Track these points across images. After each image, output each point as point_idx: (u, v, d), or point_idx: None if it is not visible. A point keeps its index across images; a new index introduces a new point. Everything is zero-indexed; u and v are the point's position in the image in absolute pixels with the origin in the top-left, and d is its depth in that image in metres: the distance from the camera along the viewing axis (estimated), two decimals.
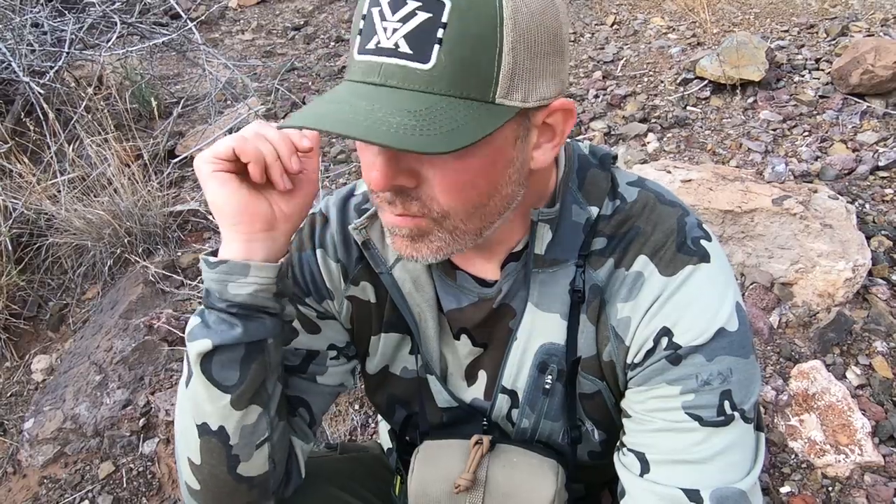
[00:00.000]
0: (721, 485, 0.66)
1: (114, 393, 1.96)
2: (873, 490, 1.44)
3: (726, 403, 0.67)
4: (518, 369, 0.78)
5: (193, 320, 0.72)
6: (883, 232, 1.98)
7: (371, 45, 0.57)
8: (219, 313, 0.69)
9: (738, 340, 0.68)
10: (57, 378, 2.09)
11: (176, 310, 2.14)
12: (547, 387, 0.77)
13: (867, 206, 2.12)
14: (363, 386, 1.78)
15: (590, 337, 0.74)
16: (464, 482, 0.77)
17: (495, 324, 0.79)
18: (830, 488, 1.46)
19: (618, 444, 0.77)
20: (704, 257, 0.70)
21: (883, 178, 2.23)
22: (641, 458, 0.70)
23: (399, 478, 0.99)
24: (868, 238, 1.91)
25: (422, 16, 0.54)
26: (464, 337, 0.81)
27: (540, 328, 0.75)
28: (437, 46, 0.55)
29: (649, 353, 0.70)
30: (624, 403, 0.75)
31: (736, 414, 0.68)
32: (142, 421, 1.89)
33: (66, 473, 1.84)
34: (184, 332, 2.00)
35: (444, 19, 0.54)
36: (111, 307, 2.25)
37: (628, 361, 0.73)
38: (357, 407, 1.77)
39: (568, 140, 0.77)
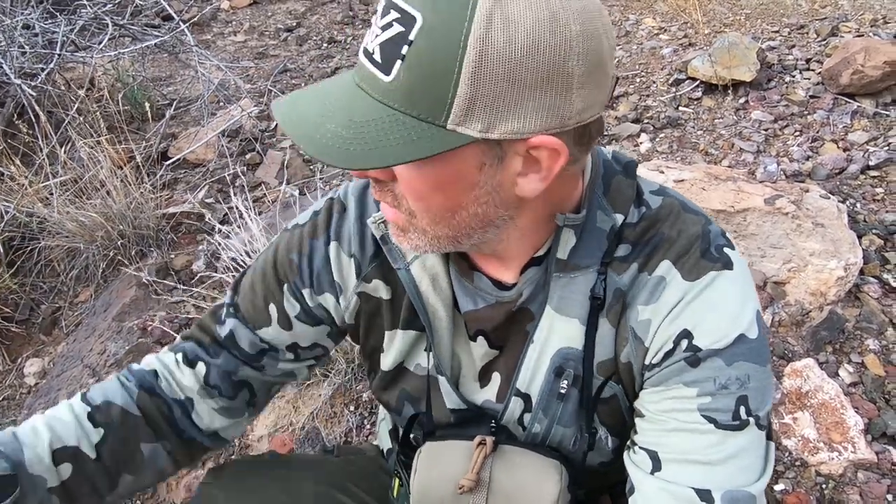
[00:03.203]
0: (733, 487, 0.66)
1: None
2: (866, 487, 1.45)
3: (742, 409, 0.68)
4: (533, 373, 0.78)
5: None
6: (874, 231, 2.00)
7: (365, 42, 0.59)
8: None
9: (756, 348, 0.69)
10: (49, 381, 2.08)
11: (169, 312, 2.13)
12: (562, 391, 0.76)
13: (858, 205, 2.14)
14: (367, 383, 1.80)
15: (609, 339, 0.74)
16: (467, 483, 0.77)
17: (512, 326, 0.78)
18: (824, 486, 1.47)
19: (628, 443, 0.77)
20: (728, 264, 0.71)
21: (873, 177, 2.25)
22: (654, 456, 0.70)
23: (398, 480, 0.99)
24: (859, 237, 1.92)
25: (396, 28, 0.56)
26: (480, 339, 0.81)
27: (558, 332, 0.75)
28: (399, 62, 0.56)
29: (668, 354, 0.70)
30: (637, 403, 0.75)
31: (751, 419, 0.68)
32: None
33: None
34: (178, 334, 2.00)
35: (412, 37, 0.55)
36: (104, 310, 2.24)
37: (646, 362, 0.73)
38: (352, 408, 1.77)
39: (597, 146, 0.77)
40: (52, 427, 0.79)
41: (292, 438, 1.75)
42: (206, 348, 0.89)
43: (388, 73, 0.56)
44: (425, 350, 0.84)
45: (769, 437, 0.71)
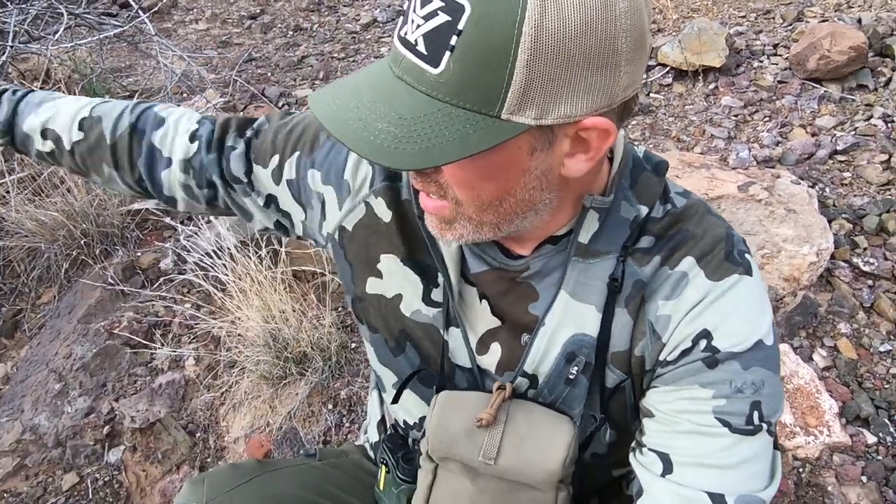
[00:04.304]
0: (745, 492, 0.66)
1: (75, 401, 1.89)
2: (842, 469, 1.47)
3: (755, 414, 0.67)
4: (542, 356, 0.76)
5: None
6: (843, 215, 2.03)
7: (402, 33, 0.57)
8: None
9: (772, 355, 0.69)
10: (13, 387, 2.01)
11: (138, 312, 2.07)
12: (571, 377, 0.76)
13: (827, 189, 2.17)
14: (344, 381, 1.77)
15: (626, 330, 0.73)
16: (486, 416, 0.76)
17: (514, 301, 0.77)
18: (801, 469, 1.49)
19: (633, 444, 0.76)
20: (748, 270, 0.71)
21: (841, 161, 2.29)
22: (665, 458, 0.70)
23: (384, 468, 0.97)
24: (829, 221, 1.95)
25: (441, 17, 0.53)
26: (485, 302, 0.80)
27: (572, 318, 0.74)
28: (448, 53, 0.53)
29: (685, 352, 0.69)
30: (646, 402, 0.74)
31: (763, 425, 0.68)
32: (106, 429, 1.83)
33: (27, 486, 1.77)
34: (146, 335, 1.97)
35: (461, 26, 0.52)
36: (68, 311, 2.17)
37: (661, 358, 0.72)
38: (331, 407, 1.75)
39: (626, 141, 0.76)
40: (56, 112, 0.92)
41: (269, 439, 1.72)
42: (211, 141, 0.92)
43: (435, 65, 0.54)
44: (423, 300, 0.82)
45: (776, 447, 0.71)
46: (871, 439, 1.53)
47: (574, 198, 0.70)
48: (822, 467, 1.49)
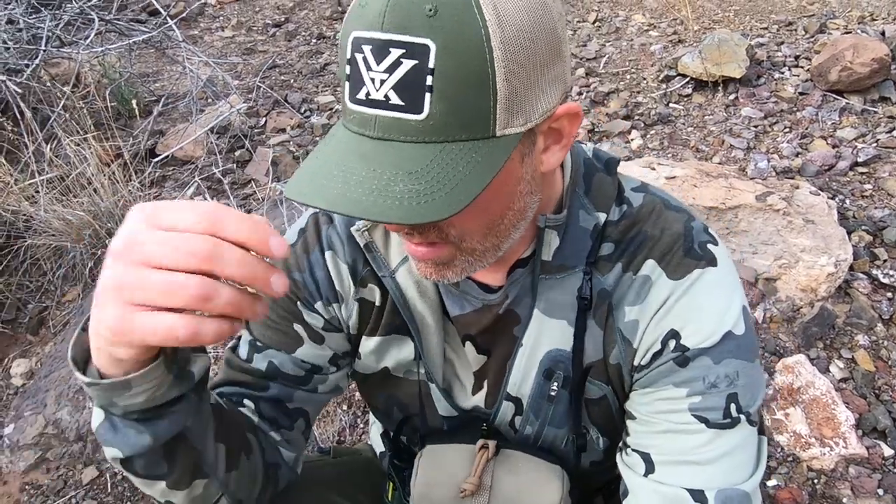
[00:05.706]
0: (726, 486, 0.67)
1: None
2: (857, 482, 1.46)
3: (732, 406, 0.68)
4: (523, 376, 0.77)
5: (97, 415, 0.60)
6: (863, 227, 2.01)
7: (361, 96, 0.54)
8: (120, 418, 0.59)
9: (744, 344, 0.69)
10: (37, 382, 2.05)
11: None
12: (552, 394, 0.76)
13: (847, 201, 2.15)
14: (354, 385, 1.78)
15: (597, 341, 0.74)
16: (470, 486, 0.77)
17: (500, 330, 0.78)
18: (816, 481, 1.48)
19: (620, 444, 0.77)
20: (712, 261, 0.70)
21: (862, 173, 2.27)
22: (646, 458, 0.70)
23: (391, 484, 0.98)
24: (849, 233, 1.93)
25: (408, 64, 0.51)
26: (469, 344, 0.80)
27: (547, 335, 0.75)
28: (428, 94, 0.52)
29: (656, 355, 0.70)
30: (628, 405, 0.75)
31: (742, 417, 0.68)
32: None
33: (48, 479, 1.81)
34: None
35: (431, 64, 0.51)
36: None
37: (635, 363, 0.73)
38: (345, 407, 1.76)
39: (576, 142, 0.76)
40: None
41: None
42: (250, 386, 0.81)
43: (418, 110, 0.52)
44: (413, 359, 0.83)
45: (761, 433, 0.71)
46: (888, 452, 1.51)
47: (533, 217, 0.70)
48: (837, 479, 1.47)
